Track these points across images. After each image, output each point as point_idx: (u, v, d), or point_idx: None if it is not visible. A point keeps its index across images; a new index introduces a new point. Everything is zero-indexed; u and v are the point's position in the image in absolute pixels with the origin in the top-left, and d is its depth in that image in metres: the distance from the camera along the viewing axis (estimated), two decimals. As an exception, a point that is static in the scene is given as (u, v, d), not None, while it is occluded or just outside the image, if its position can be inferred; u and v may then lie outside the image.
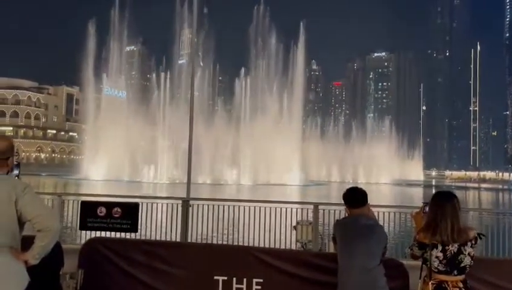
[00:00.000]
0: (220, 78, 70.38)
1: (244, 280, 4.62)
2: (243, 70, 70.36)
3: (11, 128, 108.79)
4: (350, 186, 4.48)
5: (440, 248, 3.54)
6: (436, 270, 3.56)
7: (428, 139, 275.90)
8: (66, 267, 4.60)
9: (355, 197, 4.24)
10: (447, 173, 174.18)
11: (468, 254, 3.53)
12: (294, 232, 8.46)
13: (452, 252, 3.52)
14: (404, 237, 9.80)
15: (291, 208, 8.70)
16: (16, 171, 3.49)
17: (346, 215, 4.40)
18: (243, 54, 70.00)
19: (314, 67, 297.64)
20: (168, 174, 58.36)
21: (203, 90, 66.58)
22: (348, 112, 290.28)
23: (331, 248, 7.95)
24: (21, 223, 3.07)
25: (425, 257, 3.63)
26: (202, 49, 73.95)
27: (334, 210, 8.12)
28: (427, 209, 3.88)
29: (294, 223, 8.52)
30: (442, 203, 3.63)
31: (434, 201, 3.70)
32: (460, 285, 3.54)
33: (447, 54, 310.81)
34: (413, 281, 4.46)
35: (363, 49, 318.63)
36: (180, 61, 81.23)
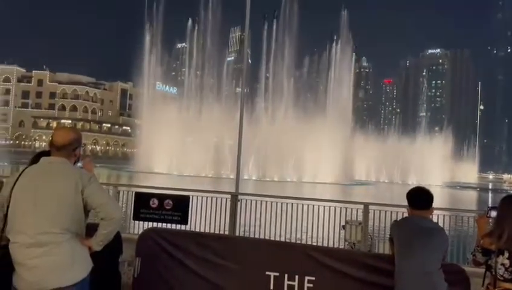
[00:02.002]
0: (267, 75, 70.38)
1: (296, 277, 4.58)
2: (280, 64, 69.59)
3: (70, 121, 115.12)
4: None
5: (507, 254, 3.33)
6: (501, 278, 3.36)
7: (485, 141, 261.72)
8: (123, 255, 4.81)
9: (421, 198, 3.98)
10: (505, 176, 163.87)
11: None
12: (342, 231, 8.33)
13: None
14: (460, 241, 9.38)
15: (340, 207, 8.58)
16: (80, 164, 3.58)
17: (407, 215, 4.20)
18: (290, 50, 69.33)
19: (364, 64, 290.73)
20: (213, 169, 59.38)
21: (252, 88, 67.05)
22: (398, 110, 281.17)
23: (380, 249, 7.78)
24: (86, 212, 3.20)
25: (490, 264, 3.43)
26: (250, 47, 74.40)
27: (385, 211, 7.93)
28: (491, 213, 3.67)
29: (342, 223, 8.39)
30: None
31: (505, 205, 3.47)
32: None
33: (508, 50, 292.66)
34: (474, 288, 4.26)
35: (416, 45, 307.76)
36: (228, 58, 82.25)
